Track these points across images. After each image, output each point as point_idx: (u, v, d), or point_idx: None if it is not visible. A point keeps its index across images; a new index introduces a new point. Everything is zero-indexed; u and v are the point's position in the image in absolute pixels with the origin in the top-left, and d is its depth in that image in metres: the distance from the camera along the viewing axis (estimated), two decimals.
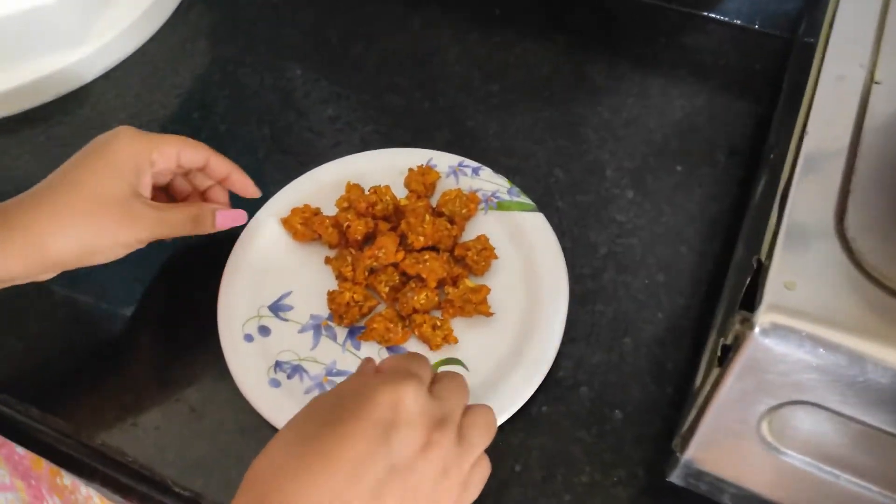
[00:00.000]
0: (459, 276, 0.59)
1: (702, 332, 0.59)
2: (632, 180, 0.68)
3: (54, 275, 0.55)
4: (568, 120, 0.72)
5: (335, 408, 0.40)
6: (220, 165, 0.61)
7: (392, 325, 0.57)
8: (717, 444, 0.44)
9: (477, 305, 0.57)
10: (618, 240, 0.64)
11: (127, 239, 0.54)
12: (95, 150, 0.55)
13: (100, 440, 0.57)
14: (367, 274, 0.58)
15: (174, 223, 0.57)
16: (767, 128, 0.68)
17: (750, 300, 0.37)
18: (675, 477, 0.48)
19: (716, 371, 0.40)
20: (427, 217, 0.58)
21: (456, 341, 0.57)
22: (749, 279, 0.38)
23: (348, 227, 0.60)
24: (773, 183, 0.45)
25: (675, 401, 0.56)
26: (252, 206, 0.68)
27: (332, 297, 0.59)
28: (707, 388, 0.41)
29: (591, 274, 0.63)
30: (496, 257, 0.60)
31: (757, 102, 0.73)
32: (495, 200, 0.65)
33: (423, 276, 0.57)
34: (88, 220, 0.52)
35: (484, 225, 0.63)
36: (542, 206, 0.65)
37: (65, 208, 0.52)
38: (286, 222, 0.63)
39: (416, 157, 0.67)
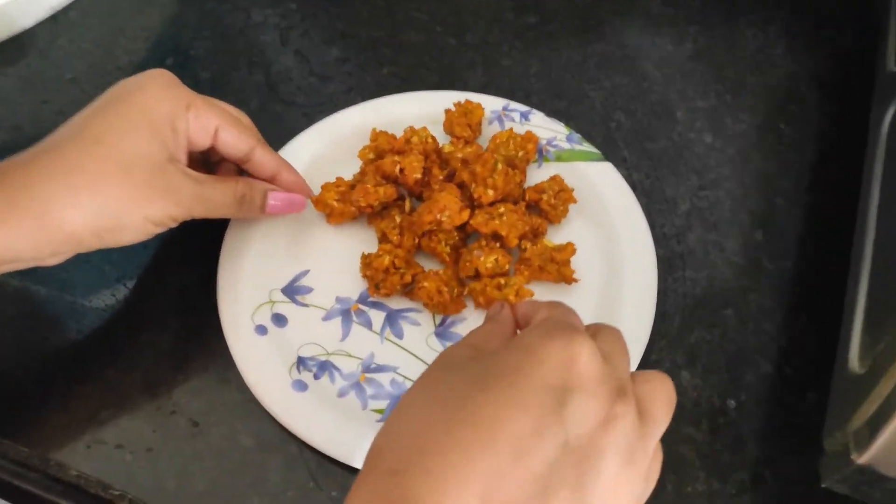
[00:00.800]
0: (539, 228, 0.47)
1: (818, 299, 0.49)
2: (708, 123, 0.57)
3: (66, 257, 0.42)
4: (623, 54, 0.61)
5: (486, 366, 0.30)
6: (268, 161, 0.47)
7: (446, 289, 0.45)
8: None
9: (560, 267, 0.45)
10: (700, 192, 0.54)
11: (159, 215, 0.42)
12: (121, 97, 0.43)
13: (74, 470, 0.44)
14: (416, 239, 0.46)
15: (216, 201, 0.44)
16: (855, 59, 0.58)
17: None
18: (835, 482, 0.38)
19: None
20: (499, 165, 0.46)
21: (531, 294, 0.46)
22: None
23: (402, 170, 0.47)
24: None
25: (797, 384, 0.46)
26: None
27: (367, 260, 0.47)
28: None
29: (674, 234, 0.52)
30: (574, 200, 0.49)
31: (839, 32, 0.62)
32: (552, 150, 0.53)
33: (502, 233, 0.45)
34: (112, 187, 0.40)
35: (541, 179, 0.52)
36: (605, 156, 0.53)
37: (82, 172, 0.40)
38: (318, 202, 0.50)
39: (448, 99, 0.55)
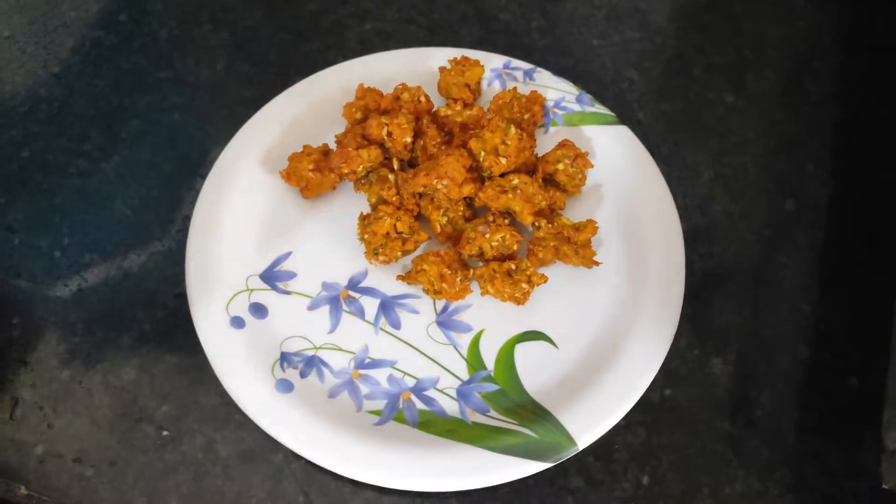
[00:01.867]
0: (556, 203, 0.41)
1: (857, 273, 0.44)
2: (728, 80, 0.52)
3: None
4: (634, 6, 0.55)
5: None
6: None
7: (448, 272, 0.39)
8: None
9: (579, 249, 0.40)
10: (724, 159, 0.49)
11: None
12: None
13: (23, 489, 0.38)
14: (416, 198, 0.41)
15: None
16: (883, 8, 0.53)
17: None
18: None
19: None
20: (512, 129, 0.40)
21: (545, 280, 0.40)
22: None
23: (390, 133, 0.41)
24: None
25: (838, 369, 0.41)
26: (215, 138, 0.48)
27: (366, 222, 0.42)
28: None
29: (697, 205, 0.47)
30: (591, 165, 0.43)
31: None
32: (561, 113, 0.48)
33: (515, 209, 0.39)
34: None
35: (548, 147, 0.46)
36: (618, 118, 0.48)
37: None
38: (290, 175, 0.44)
39: (443, 57, 0.49)
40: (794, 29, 0.54)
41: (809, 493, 0.38)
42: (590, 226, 0.40)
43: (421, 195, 0.42)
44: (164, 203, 0.47)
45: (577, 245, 0.39)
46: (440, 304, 0.42)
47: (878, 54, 0.52)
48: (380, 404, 0.39)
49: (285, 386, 0.39)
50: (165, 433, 0.40)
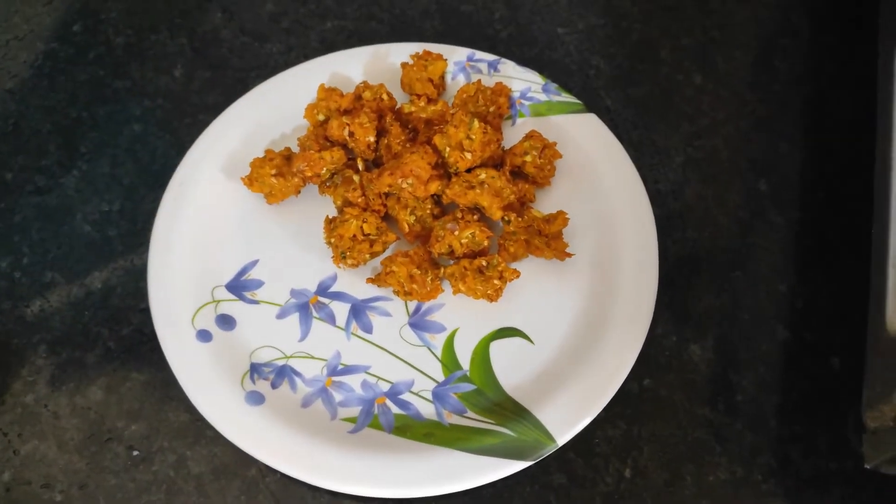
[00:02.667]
0: (526, 196, 0.41)
1: (834, 252, 0.44)
2: (696, 62, 0.51)
3: None
4: None
5: None
6: None
7: (418, 273, 0.39)
8: None
9: (551, 242, 0.39)
10: (695, 142, 0.48)
11: None
12: None
13: None
14: (382, 198, 0.40)
15: None
16: None
17: None
18: (884, 463, 0.33)
19: None
20: (475, 123, 0.39)
21: (517, 275, 0.39)
22: None
23: (352, 133, 0.40)
24: None
25: (819, 350, 0.41)
26: (177, 147, 0.47)
27: (332, 226, 0.41)
28: None
29: (670, 190, 0.46)
30: (560, 155, 0.43)
31: None
32: (527, 104, 0.47)
33: (483, 204, 0.38)
34: None
35: (516, 139, 0.45)
36: (586, 107, 0.47)
37: None
38: (252, 182, 0.43)
39: (404, 52, 0.48)
40: (760, 7, 0.54)
41: (794, 476, 0.38)
42: (560, 217, 0.39)
43: (387, 195, 0.41)
44: (125, 217, 0.45)
45: (548, 238, 0.39)
46: (412, 305, 0.41)
47: (846, 30, 0.52)
48: (354, 411, 0.38)
49: (256, 398, 0.38)
50: (136, 453, 0.39)
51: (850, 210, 0.45)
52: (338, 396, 0.39)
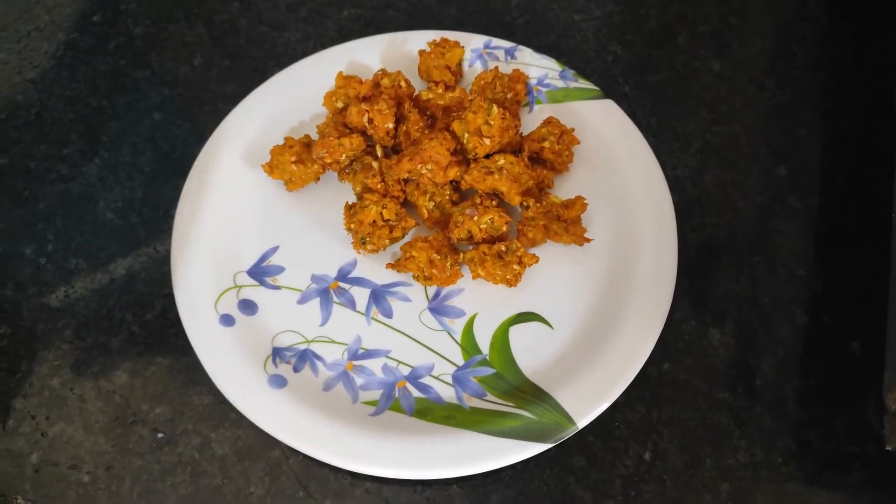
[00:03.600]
0: (544, 182, 0.41)
1: (853, 236, 0.44)
2: (713, 49, 0.51)
3: None
4: None
5: None
6: None
7: (438, 258, 0.39)
8: None
9: (569, 227, 0.39)
10: (713, 128, 0.48)
11: None
12: None
13: (20, 499, 0.38)
14: (402, 184, 0.40)
15: None
16: None
17: None
18: None
19: None
20: (494, 109, 0.39)
21: (536, 260, 0.40)
22: None
23: (371, 120, 0.40)
24: None
25: (839, 333, 0.41)
26: (196, 135, 0.48)
27: (351, 212, 0.41)
28: None
29: (688, 176, 0.46)
30: (577, 141, 0.43)
31: None
32: (544, 90, 0.47)
33: (502, 189, 0.39)
34: None
35: (533, 126, 0.45)
36: (604, 93, 0.47)
37: None
38: (273, 169, 0.43)
39: (421, 40, 0.48)
40: None
41: (813, 460, 0.38)
42: (579, 203, 0.39)
43: (406, 181, 0.41)
44: (147, 204, 0.46)
45: (567, 223, 0.39)
46: (432, 290, 0.41)
47: (864, 15, 0.51)
48: (375, 395, 0.39)
49: (279, 381, 0.39)
50: (160, 435, 0.39)
51: (869, 194, 0.44)
52: (359, 380, 0.39)
